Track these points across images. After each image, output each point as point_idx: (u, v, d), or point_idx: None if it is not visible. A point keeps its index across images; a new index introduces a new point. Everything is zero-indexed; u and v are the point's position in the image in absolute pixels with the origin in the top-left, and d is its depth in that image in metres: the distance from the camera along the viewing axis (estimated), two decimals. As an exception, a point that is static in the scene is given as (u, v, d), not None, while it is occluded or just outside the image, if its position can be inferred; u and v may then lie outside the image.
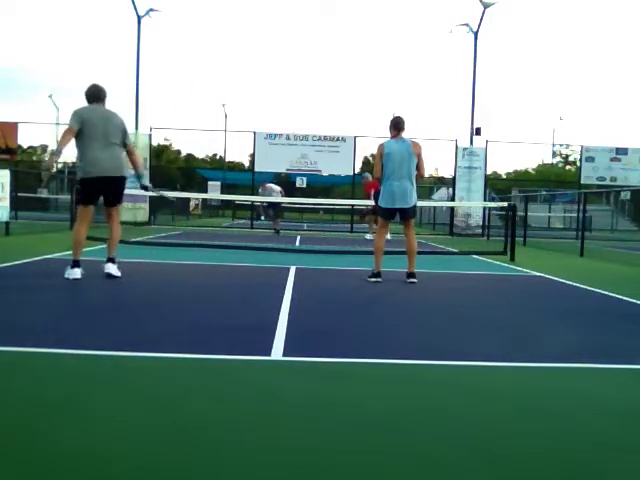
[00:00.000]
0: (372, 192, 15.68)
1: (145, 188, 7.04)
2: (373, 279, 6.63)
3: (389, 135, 6.81)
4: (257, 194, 18.10)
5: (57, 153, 6.38)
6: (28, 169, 30.18)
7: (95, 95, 6.35)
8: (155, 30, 65.75)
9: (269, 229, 18.95)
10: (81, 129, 6.07)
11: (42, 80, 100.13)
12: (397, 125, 6.71)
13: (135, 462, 1.90)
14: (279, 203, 17.73)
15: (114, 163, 6.18)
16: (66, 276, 5.91)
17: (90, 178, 6.15)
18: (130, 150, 6.48)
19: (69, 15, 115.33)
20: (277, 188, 17.29)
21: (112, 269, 6.14)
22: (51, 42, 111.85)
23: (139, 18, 19.89)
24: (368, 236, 15.74)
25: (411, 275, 6.64)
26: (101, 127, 6.15)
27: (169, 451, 1.98)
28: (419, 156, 6.60)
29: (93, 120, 6.16)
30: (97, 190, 6.23)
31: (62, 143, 6.27)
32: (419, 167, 6.66)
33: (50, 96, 46.83)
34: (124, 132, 6.39)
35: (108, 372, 2.87)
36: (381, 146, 6.65)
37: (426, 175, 7.40)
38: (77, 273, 5.98)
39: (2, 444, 2.00)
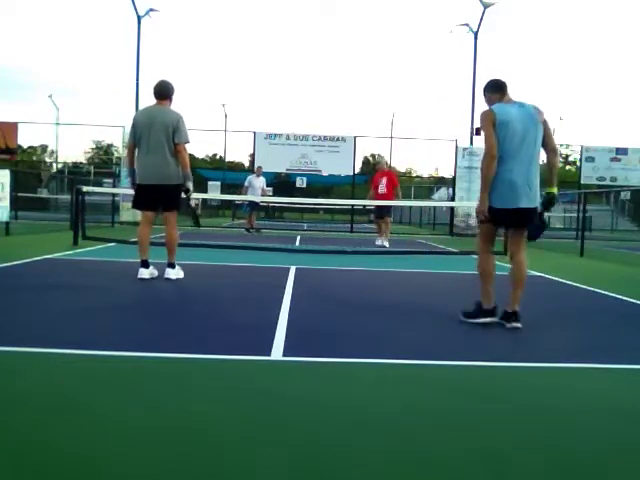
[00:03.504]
0: (380, 185, 12.88)
1: (186, 191, 6.14)
2: (482, 319, 4.40)
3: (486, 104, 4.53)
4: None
5: (129, 174, 6.41)
6: (28, 169, 30.20)
7: (155, 93, 6.16)
8: (155, 30, 65.85)
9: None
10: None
11: (42, 80, 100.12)
12: (501, 87, 4.47)
13: (135, 462, 1.90)
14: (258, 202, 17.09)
15: (156, 170, 5.99)
16: (137, 276, 6.01)
17: (138, 184, 6.16)
18: (177, 149, 5.97)
19: (69, 15, 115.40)
20: (262, 184, 16.47)
21: (170, 274, 6.12)
22: (51, 42, 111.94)
23: (139, 18, 19.88)
24: (379, 242, 13.19)
25: (513, 317, 4.34)
26: (145, 131, 6.00)
27: (169, 451, 1.98)
28: (546, 126, 4.38)
29: (139, 124, 6.08)
30: (145, 196, 6.13)
31: (127, 162, 6.41)
32: (547, 141, 4.38)
33: (50, 96, 46.77)
34: (172, 131, 5.94)
35: (108, 372, 2.87)
36: (490, 112, 4.30)
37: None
38: (143, 273, 6.04)
39: (2, 444, 2.00)
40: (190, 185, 6.13)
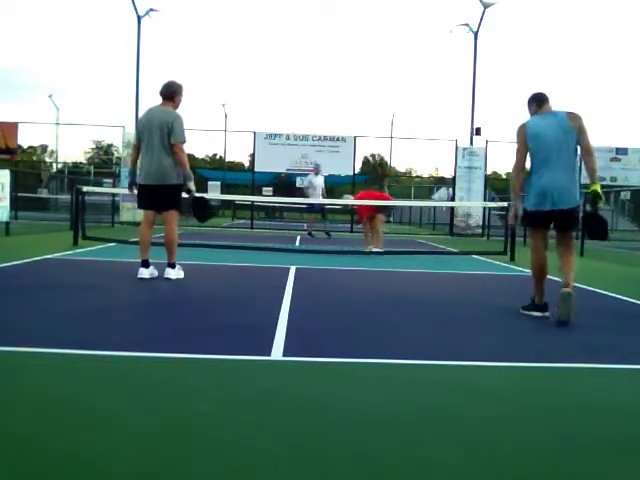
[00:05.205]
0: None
1: (188, 192, 6.13)
2: (535, 312, 4.76)
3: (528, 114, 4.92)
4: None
5: (129, 174, 6.43)
6: (28, 169, 30.21)
7: (161, 93, 6.18)
8: (155, 30, 65.84)
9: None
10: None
11: (42, 80, 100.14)
12: (535, 98, 4.86)
13: (135, 462, 1.89)
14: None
15: (154, 170, 6.00)
16: (137, 276, 6.03)
17: (140, 184, 6.20)
18: (174, 149, 5.94)
19: (69, 15, 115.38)
20: (322, 183, 15.40)
21: (170, 274, 6.12)
22: (51, 42, 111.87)
23: (139, 18, 19.88)
24: (367, 250, 11.31)
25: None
26: (146, 131, 6.05)
27: (169, 452, 1.98)
28: (580, 130, 4.63)
29: (141, 125, 6.15)
30: (146, 196, 6.15)
31: (130, 162, 6.42)
32: (584, 144, 4.67)
33: (50, 96, 46.81)
34: (168, 131, 5.92)
35: (108, 372, 2.87)
36: (522, 127, 4.75)
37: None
38: (143, 273, 6.05)
39: (2, 444, 2.00)
40: (191, 185, 6.10)
